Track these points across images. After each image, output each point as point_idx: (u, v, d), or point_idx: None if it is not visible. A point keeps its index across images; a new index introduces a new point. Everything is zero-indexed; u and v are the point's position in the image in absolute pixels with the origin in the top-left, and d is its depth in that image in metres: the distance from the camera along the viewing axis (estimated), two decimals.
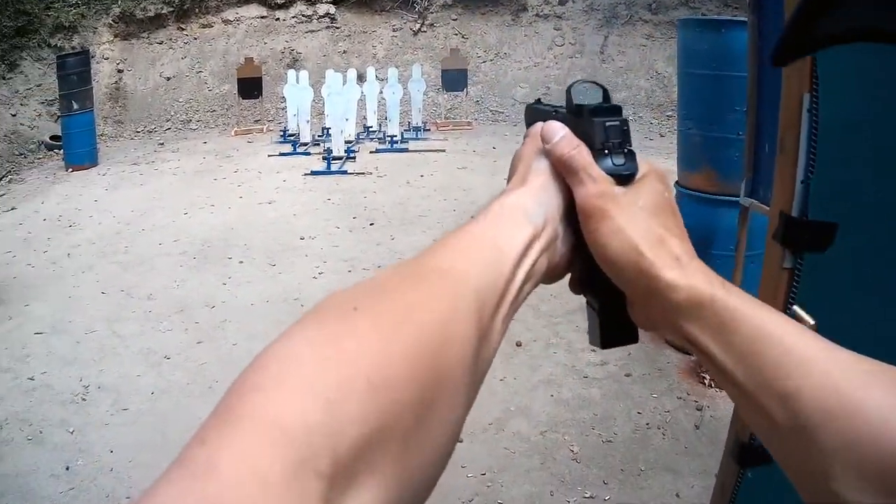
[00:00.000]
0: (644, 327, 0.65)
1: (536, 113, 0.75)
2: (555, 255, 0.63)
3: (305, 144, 11.77)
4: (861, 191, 1.75)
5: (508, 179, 0.68)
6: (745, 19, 3.88)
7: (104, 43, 14.69)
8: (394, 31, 15.74)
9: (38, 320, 5.61)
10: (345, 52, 15.45)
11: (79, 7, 14.31)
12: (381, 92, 12.53)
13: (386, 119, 12.35)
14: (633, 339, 0.69)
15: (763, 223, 3.15)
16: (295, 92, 12.23)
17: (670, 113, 12.70)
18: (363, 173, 10.12)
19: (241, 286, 6.23)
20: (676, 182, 5.06)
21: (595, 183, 0.61)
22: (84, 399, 4.48)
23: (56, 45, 13.82)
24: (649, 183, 0.63)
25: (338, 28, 15.73)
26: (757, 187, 3.72)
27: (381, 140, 12.15)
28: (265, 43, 15.44)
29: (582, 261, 0.65)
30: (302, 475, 0.35)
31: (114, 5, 14.64)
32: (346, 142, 11.37)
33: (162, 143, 12.86)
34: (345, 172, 10.17)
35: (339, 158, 10.67)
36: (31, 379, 4.72)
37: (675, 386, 4.46)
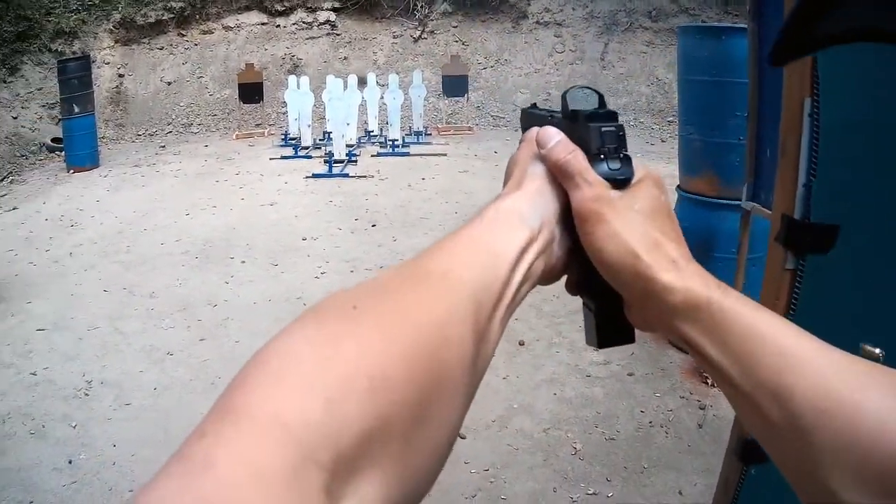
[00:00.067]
0: (640, 328, 0.66)
1: (532, 118, 0.76)
2: (551, 258, 0.64)
3: (307, 148, 11.79)
4: (862, 192, 1.75)
5: (504, 184, 0.68)
6: (745, 26, 3.89)
7: (105, 48, 14.73)
8: (394, 38, 15.78)
9: (40, 317, 5.61)
10: (345, 58, 15.49)
11: (79, 13, 14.35)
12: (382, 97, 12.56)
13: (387, 124, 12.37)
14: (630, 339, 0.69)
15: (764, 227, 3.17)
16: (296, 97, 12.25)
17: (671, 118, 12.74)
18: (365, 176, 10.14)
19: (244, 285, 6.23)
20: (678, 186, 5.07)
21: (591, 187, 0.61)
22: (87, 394, 4.47)
23: (57, 49, 13.87)
24: (645, 187, 0.63)
25: (338, 35, 15.77)
26: (758, 191, 3.73)
27: (383, 144, 12.17)
28: (266, 49, 15.48)
29: (578, 263, 0.65)
30: (302, 470, 0.35)
31: (114, 12, 14.69)
32: (348, 145, 11.40)
33: (163, 146, 12.89)
34: (346, 175, 10.19)
35: (341, 162, 10.68)
36: (34, 374, 4.71)
37: (678, 385, 4.45)
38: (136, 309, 5.76)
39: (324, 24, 15.75)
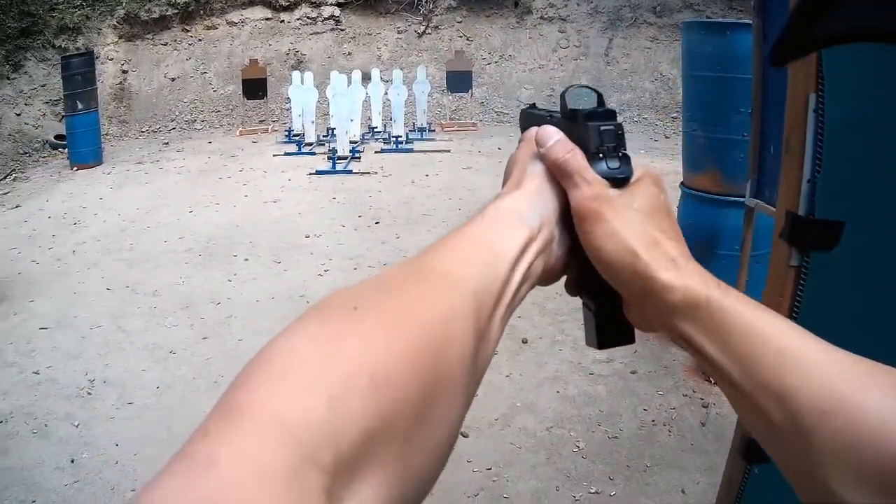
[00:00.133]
0: (640, 328, 0.66)
1: (531, 118, 0.76)
2: (550, 258, 0.64)
3: (310, 144, 11.79)
4: (867, 189, 1.74)
5: (504, 183, 0.68)
6: (750, 22, 3.88)
7: (109, 44, 14.75)
8: (398, 33, 15.78)
9: (42, 316, 5.61)
10: (349, 53, 15.48)
11: (83, 9, 14.37)
12: (386, 93, 12.55)
13: (391, 120, 12.37)
14: (630, 339, 0.69)
15: (768, 223, 3.16)
16: (300, 93, 12.26)
17: (675, 114, 12.73)
18: (368, 173, 10.15)
19: (247, 283, 6.23)
20: (682, 183, 5.06)
21: (590, 186, 0.61)
22: (89, 393, 4.48)
23: (60, 45, 13.89)
24: (644, 186, 0.63)
25: (342, 30, 15.77)
26: (762, 188, 3.72)
27: (386, 140, 12.18)
28: (270, 44, 15.48)
29: (578, 263, 0.65)
30: (304, 470, 0.35)
31: (118, 7, 14.70)
32: (351, 142, 11.40)
33: (167, 143, 12.91)
34: (350, 172, 10.19)
35: (344, 158, 10.69)
36: (37, 373, 4.72)
37: (681, 383, 4.45)
38: (139, 307, 5.77)
39: (328, 19, 15.75)
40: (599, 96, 0.68)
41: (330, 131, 11.95)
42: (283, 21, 15.75)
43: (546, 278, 0.65)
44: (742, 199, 3.90)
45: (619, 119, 0.65)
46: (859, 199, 1.75)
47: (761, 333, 0.54)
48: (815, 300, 1.75)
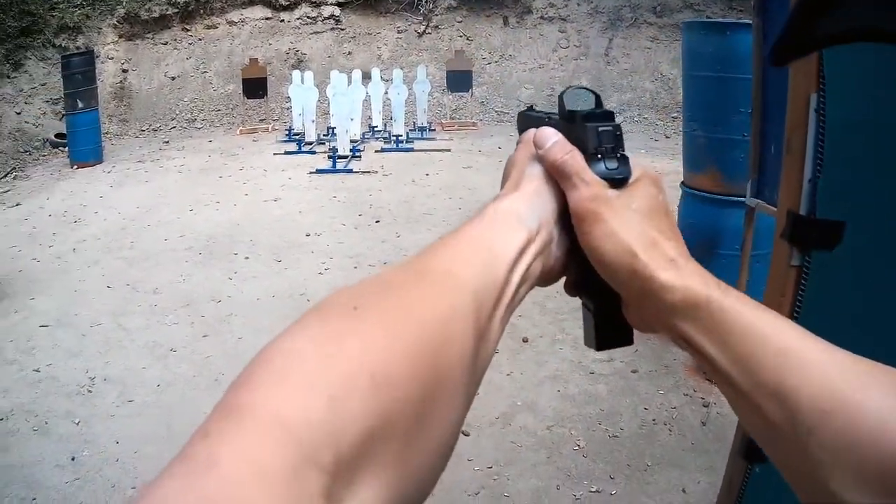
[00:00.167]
0: (639, 328, 0.66)
1: (529, 119, 0.76)
2: (549, 259, 0.64)
3: (311, 143, 11.79)
4: (868, 189, 1.74)
5: (502, 184, 0.68)
6: (750, 22, 3.88)
7: (109, 43, 14.75)
8: (398, 33, 15.77)
9: (43, 314, 5.61)
10: (349, 53, 15.48)
11: (83, 8, 14.35)
12: (386, 92, 12.55)
13: (391, 119, 12.37)
14: (628, 340, 0.69)
15: (768, 223, 3.15)
16: (300, 92, 12.25)
17: (675, 114, 12.73)
18: (369, 172, 10.14)
19: (247, 281, 6.23)
20: (682, 183, 5.06)
21: (588, 187, 0.62)
22: (90, 391, 4.48)
23: (60, 45, 13.89)
24: (643, 186, 0.63)
25: (343, 30, 15.76)
26: (762, 188, 3.72)
27: (387, 139, 12.17)
28: (270, 44, 15.48)
29: (577, 264, 0.65)
30: (304, 471, 0.35)
31: (118, 7, 14.70)
32: (352, 141, 11.39)
33: (167, 142, 12.90)
34: (350, 171, 10.19)
35: (345, 157, 10.68)
36: (37, 371, 4.72)
37: (682, 383, 4.45)
38: (140, 305, 5.76)
39: (328, 18, 15.74)
40: (597, 97, 0.68)
41: (330, 130, 11.94)
42: (283, 20, 15.74)
43: (545, 279, 0.65)
44: (742, 199, 3.89)
45: (618, 120, 0.65)
46: (860, 199, 1.75)
47: (761, 333, 0.54)
48: (817, 300, 1.75)
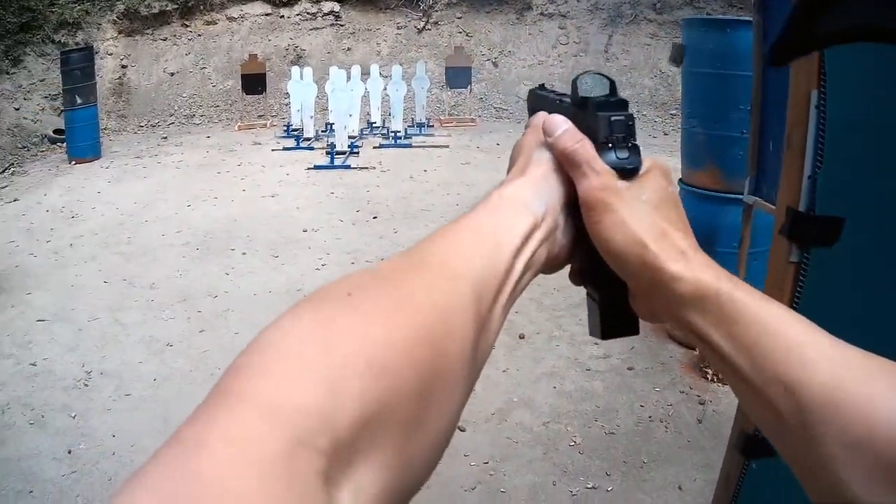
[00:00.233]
0: (646, 319, 0.65)
1: (540, 100, 0.75)
2: (554, 246, 0.63)
3: (309, 139, 11.78)
4: (868, 186, 1.74)
5: (509, 170, 0.68)
6: (750, 19, 3.88)
7: (108, 39, 14.72)
8: (398, 29, 15.76)
9: (40, 308, 5.61)
10: (349, 49, 15.46)
11: (82, 4, 14.33)
12: (385, 89, 12.54)
13: (390, 115, 12.36)
14: (634, 330, 0.69)
15: (766, 221, 3.16)
16: (299, 88, 12.23)
17: (674, 111, 12.74)
18: (366, 168, 10.14)
19: (244, 277, 6.23)
20: (680, 180, 5.06)
21: (598, 176, 0.61)
22: (86, 385, 4.48)
23: (60, 41, 13.87)
24: (653, 177, 0.63)
25: (342, 26, 15.74)
26: (760, 185, 3.73)
27: (385, 135, 12.16)
28: (269, 40, 15.46)
29: (583, 252, 0.65)
30: (298, 452, 0.35)
31: (118, 2, 14.67)
32: (350, 137, 11.38)
33: (165, 138, 12.89)
34: (348, 167, 10.18)
35: (343, 153, 10.66)
36: (34, 364, 4.72)
37: (678, 380, 4.45)
38: (137, 300, 5.76)
39: (328, 14, 15.72)
40: (612, 84, 0.67)
41: (329, 126, 11.92)
42: (282, 16, 15.72)
43: (550, 266, 0.65)
44: (741, 197, 3.90)
45: (630, 109, 0.64)
46: (859, 196, 1.75)
47: (771, 326, 0.54)
48: (815, 296, 1.75)
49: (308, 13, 15.72)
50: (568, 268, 0.68)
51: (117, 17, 14.79)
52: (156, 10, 14.95)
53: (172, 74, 14.96)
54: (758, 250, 3.79)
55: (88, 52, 11.51)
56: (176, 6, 15.09)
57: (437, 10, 15.69)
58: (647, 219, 0.60)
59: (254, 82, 13.20)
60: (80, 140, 10.96)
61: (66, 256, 6.82)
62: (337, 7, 15.70)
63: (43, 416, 4.14)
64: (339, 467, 0.37)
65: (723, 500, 2.10)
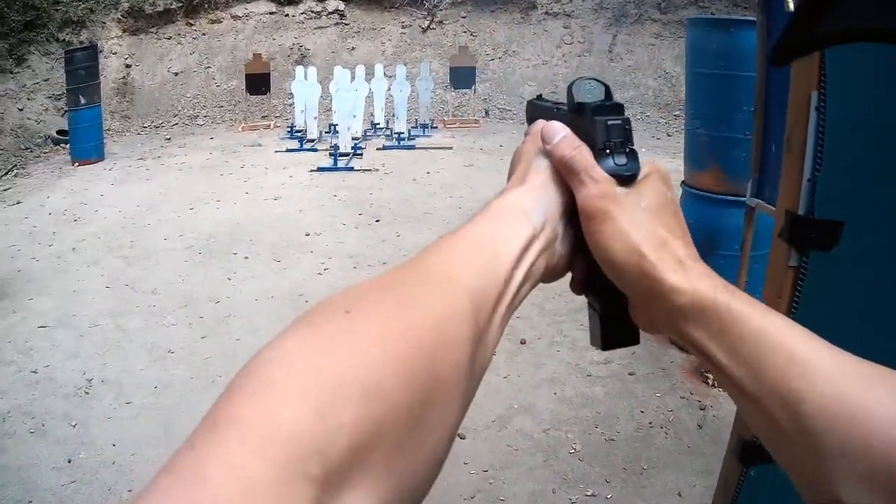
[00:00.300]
0: (646, 329, 0.65)
1: (537, 109, 0.74)
2: (553, 256, 0.63)
3: (312, 141, 11.79)
4: (867, 190, 1.73)
5: (508, 178, 0.68)
6: (754, 19, 3.86)
7: (112, 38, 14.75)
8: (403, 28, 15.77)
9: (42, 314, 5.61)
10: (353, 48, 15.48)
11: (87, 2, 14.35)
12: (389, 89, 12.54)
13: (393, 116, 12.36)
14: (635, 340, 0.68)
15: (769, 223, 3.15)
16: (303, 88, 12.24)
17: (678, 112, 12.72)
18: (370, 170, 10.15)
19: (246, 281, 6.23)
20: (683, 181, 5.05)
21: (597, 184, 0.60)
22: (87, 392, 4.48)
23: (64, 39, 13.90)
24: (652, 183, 0.62)
25: (346, 25, 15.76)
26: (763, 187, 3.72)
27: (389, 137, 12.16)
28: (273, 39, 15.48)
29: (583, 261, 0.65)
30: (292, 482, 0.35)
31: (122, 1, 14.69)
32: (353, 138, 11.39)
33: (169, 139, 12.91)
34: (351, 169, 10.19)
35: (346, 155, 10.68)
36: (35, 372, 4.72)
37: (679, 385, 4.44)
38: (138, 306, 5.77)
39: (332, 13, 15.75)
40: (607, 89, 0.66)
41: (332, 127, 11.94)
42: (287, 15, 15.75)
43: (549, 276, 0.64)
44: (743, 199, 3.89)
45: (627, 113, 0.64)
46: (859, 200, 1.74)
47: (769, 337, 0.54)
48: (814, 300, 1.74)
49: (313, 12, 15.74)
50: (570, 276, 0.68)
51: (122, 15, 14.83)
52: (160, 9, 14.99)
53: (177, 74, 14.99)
54: (760, 253, 3.77)
55: (93, 51, 11.53)
56: (180, 4, 15.14)
57: (441, 10, 15.69)
58: (646, 227, 0.59)
59: (258, 82, 13.21)
60: (83, 141, 10.99)
61: (69, 261, 6.83)
62: (341, 6, 15.73)
63: (43, 425, 4.14)
64: (332, 493, 0.37)
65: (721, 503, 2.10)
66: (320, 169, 10.14)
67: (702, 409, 4.18)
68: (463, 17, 15.74)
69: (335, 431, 0.38)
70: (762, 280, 1.90)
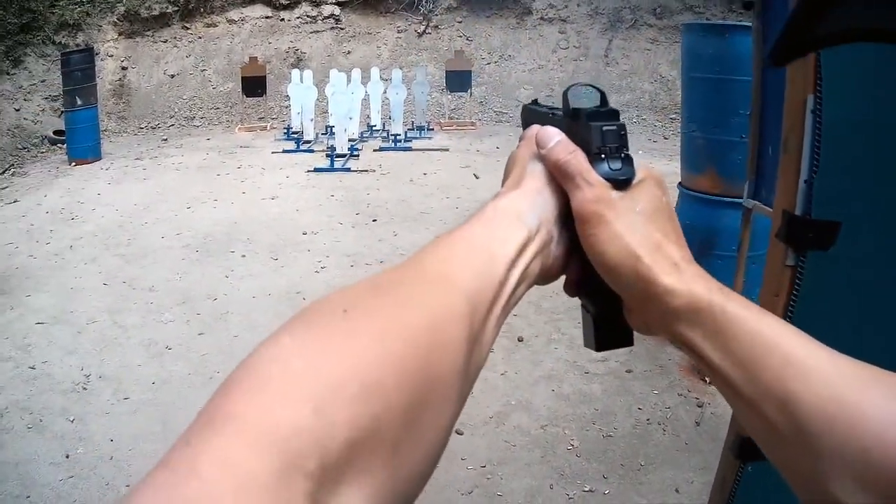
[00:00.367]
0: (640, 331, 0.65)
1: (533, 114, 0.75)
2: (548, 259, 0.63)
3: (309, 142, 11.78)
4: (864, 190, 1.74)
5: (503, 182, 0.68)
6: (749, 24, 3.89)
7: (109, 41, 14.74)
8: (398, 32, 15.77)
9: (39, 311, 5.60)
10: (349, 52, 15.48)
11: (83, 5, 14.34)
12: (385, 92, 12.55)
13: (390, 118, 12.37)
14: (629, 342, 0.68)
15: (765, 225, 3.16)
16: (299, 91, 12.24)
17: (674, 115, 12.75)
18: (366, 170, 10.14)
19: (244, 279, 6.22)
20: (680, 184, 5.07)
21: (592, 188, 0.61)
22: (85, 388, 4.47)
23: (60, 42, 13.89)
24: (647, 188, 0.63)
25: (342, 29, 15.76)
26: (760, 189, 3.74)
27: (385, 138, 12.16)
28: (269, 43, 15.47)
29: (578, 264, 0.65)
30: (287, 477, 0.35)
31: (119, 4, 14.71)
32: (350, 140, 11.39)
33: (165, 140, 12.89)
34: (348, 170, 10.18)
35: (343, 156, 10.67)
36: (32, 368, 4.71)
37: (676, 382, 4.45)
38: (136, 303, 5.76)
39: (328, 17, 15.74)
40: (602, 95, 0.67)
41: (329, 129, 11.92)
42: (283, 19, 15.74)
43: (544, 278, 0.65)
44: (740, 201, 3.91)
45: (622, 119, 0.65)
46: (856, 200, 1.75)
47: (764, 339, 0.54)
48: (811, 300, 1.75)
49: (308, 16, 15.73)
50: (564, 278, 0.68)
51: (118, 18, 14.82)
52: (156, 12, 14.97)
53: (173, 76, 14.97)
54: (757, 254, 3.79)
55: (89, 54, 11.51)
56: (176, 8, 15.11)
57: (437, 15, 15.70)
58: (641, 230, 0.60)
59: (254, 85, 13.20)
60: (80, 141, 10.97)
61: (66, 258, 6.81)
62: (337, 10, 15.72)
63: (41, 420, 4.13)
64: (328, 488, 0.37)
65: (718, 502, 2.11)
66: (317, 170, 10.13)
67: (699, 407, 4.18)
68: (458, 22, 15.74)
69: (333, 428, 0.38)
70: (759, 280, 1.90)
